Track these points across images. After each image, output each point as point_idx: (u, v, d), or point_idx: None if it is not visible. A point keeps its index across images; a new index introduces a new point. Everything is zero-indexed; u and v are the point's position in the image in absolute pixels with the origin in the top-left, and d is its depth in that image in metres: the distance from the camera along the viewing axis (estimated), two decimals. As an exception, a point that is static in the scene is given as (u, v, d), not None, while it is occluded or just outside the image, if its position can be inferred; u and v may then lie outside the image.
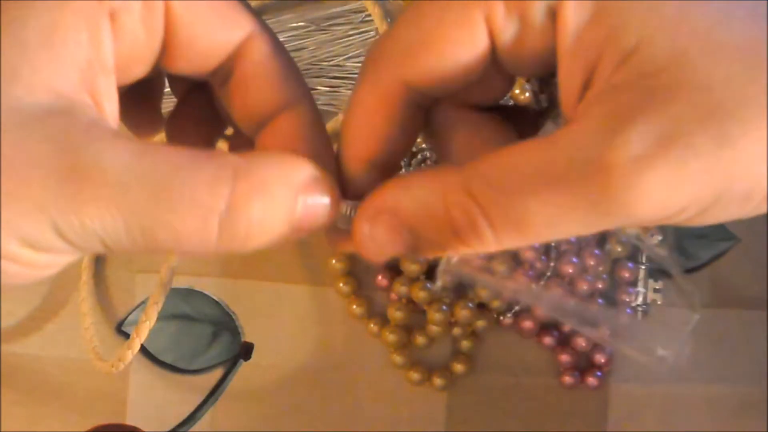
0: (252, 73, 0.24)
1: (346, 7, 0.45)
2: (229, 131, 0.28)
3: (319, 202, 0.22)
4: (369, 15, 0.45)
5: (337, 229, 0.23)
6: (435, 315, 0.45)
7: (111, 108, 0.22)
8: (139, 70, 0.24)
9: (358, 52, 0.45)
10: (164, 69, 0.24)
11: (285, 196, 0.21)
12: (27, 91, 0.20)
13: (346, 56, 0.45)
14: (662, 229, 0.46)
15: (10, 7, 0.20)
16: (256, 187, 0.21)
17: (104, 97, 0.21)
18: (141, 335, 0.41)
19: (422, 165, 0.45)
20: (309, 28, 0.45)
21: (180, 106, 0.27)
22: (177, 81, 0.26)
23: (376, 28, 0.45)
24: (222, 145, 0.29)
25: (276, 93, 0.24)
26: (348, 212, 0.23)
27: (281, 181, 0.21)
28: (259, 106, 0.24)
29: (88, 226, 0.20)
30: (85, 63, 0.21)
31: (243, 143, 0.26)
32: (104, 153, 0.20)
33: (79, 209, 0.20)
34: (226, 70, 0.24)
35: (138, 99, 0.25)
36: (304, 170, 0.22)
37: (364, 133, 0.24)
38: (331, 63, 0.45)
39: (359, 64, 0.45)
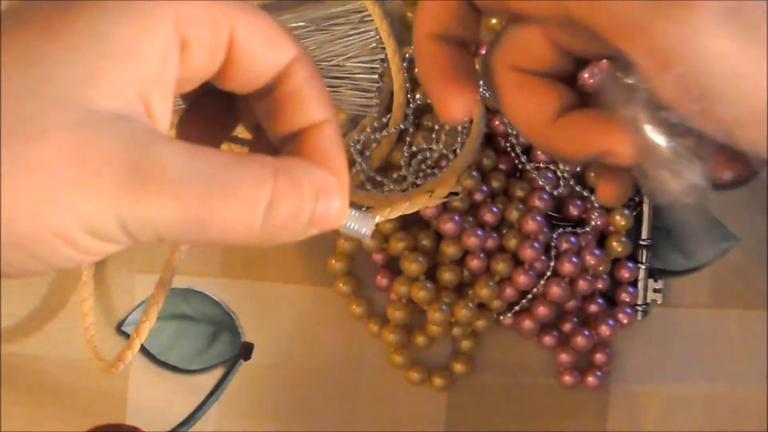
0: (292, 93, 0.27)
1: (346, 7, 0.45)
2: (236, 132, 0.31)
3: (333, 205, 0.26)
4: (369, 15, 0.45)
5: None
6: (435, 315, 0.45)
7: (163, 123, 0.24)
8: (191, 87, 0.26)
9: (357, 52, 0.45)
10: (216, 86, 0.27)
11: (311, 195, 0.25)
12: (102, 95, 0.23)
13: (346, 56, 0.45)
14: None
15: (100, 17, 0.23)
16: (292, 184, 0.24)
17: (158, 111, 0.24)
18: (141, 335, 0.41)
19: (422, 165, 0.45)
20: (309, 28, 0.45)
21: (191, 109, 0.29)
22: None
23: (376, 28, 0.45)
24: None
25: (310, 112, 0.27)
26: (351, 224, 0.27)
27: (309, 181, 0.25)
28: (294, 122, 0.27)
29: (150, 218, 0.23)
30: (151, 79, 0.24)
31: (263, 148, 0.29)
32: (165, 153, 0.23)
33: (144, 201, 0.22)
34: (267, 86, 0.27)
35: None
36: (324, 175, 0.26)
37: (428, 14, 0.28)
38: (331, 63, 0.45)
39: (359, 64, 0.45)
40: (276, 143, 0.28)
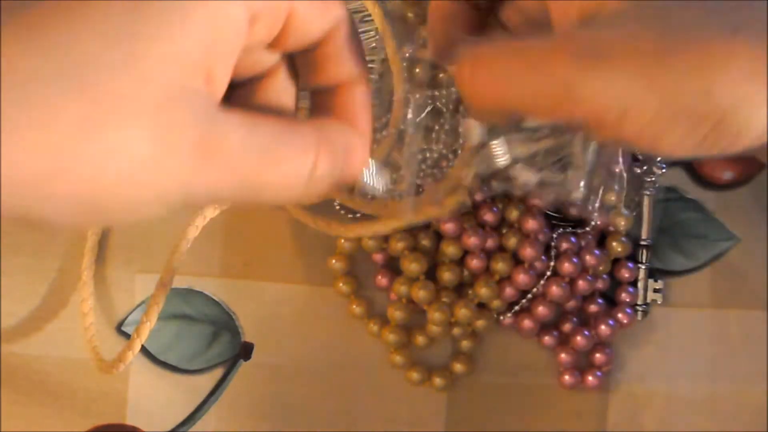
0: (332, 53, 0.29)
1: (346, 7, 0.45)
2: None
3: (358, 161, 0.28)
4: (369, 15, 0.45)
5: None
6: (435, 315, 0.45)
7: (221, 94, 0.26)
8: (248, 56, 0.28)
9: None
10: (268, 48, 0.28)
11: (342, 157, 0.27)
12: (180, 72, 0.24)
13: (346, 56, 0.45)
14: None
15: None
16: (330, 149, 0.27)
17: (219, 84, 0.25)
18: (142, 336, 0.41)
19: (422, 165, 0.45)
20: (309, 28, 0.45)
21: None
22: None
23: (376, 28, 0.45)
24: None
25: (347, 70, 0.29)
26: (367, 179, 0.30)
27: (342, 144, 0.27)
28: (331, 78, 0.30)
29: (210, 189, 0.25)
30: (221, 54, 0.25)
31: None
32: (227, 127, 0.25)
33: (208, 175, 0.24)
34: (311, 45, 0.29)
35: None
36: (352, 134, 0.28)
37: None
38: (331, 63, 0.45)
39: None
40: (307, 90, 0.31)
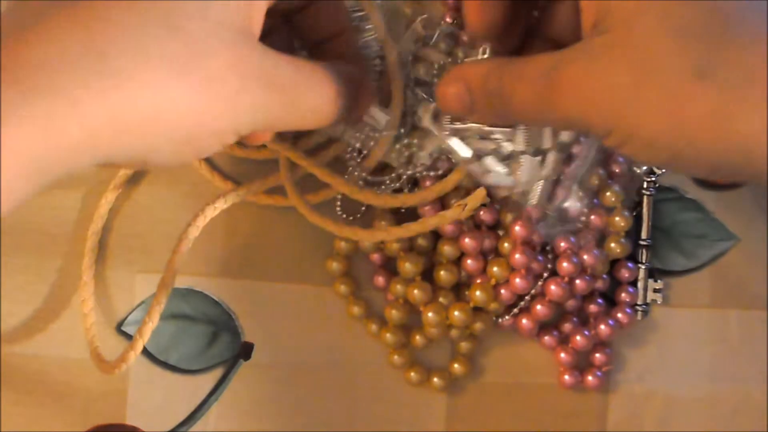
0: (326, 9, 0.35)
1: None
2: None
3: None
4: (368, 15, 0.45)
5: None
6: (430, 316, 0.44)
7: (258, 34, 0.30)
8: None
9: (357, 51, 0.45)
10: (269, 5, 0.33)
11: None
12: (241, 19, 0.28)
13: (346, 56, 0.45)
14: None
15: None
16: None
17: (256, 30, 0.30)
18: (144, 336, 0.41)
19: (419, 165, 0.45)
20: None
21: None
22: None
23: (375, 27, 0.45)
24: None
25: (340, 22, 0.36)
26: (374, 113, 0.39)
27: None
28: (327, 31, 0.36)
29: (272, 115, 0.30)
30: (259, 8, 0.30)
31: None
32: (277, 61, 0.30)
33: (271, 101, 0.29)
34: (302, 6, 0.35)
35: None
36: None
37: None
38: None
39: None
40: (307, 46, 0.37)
